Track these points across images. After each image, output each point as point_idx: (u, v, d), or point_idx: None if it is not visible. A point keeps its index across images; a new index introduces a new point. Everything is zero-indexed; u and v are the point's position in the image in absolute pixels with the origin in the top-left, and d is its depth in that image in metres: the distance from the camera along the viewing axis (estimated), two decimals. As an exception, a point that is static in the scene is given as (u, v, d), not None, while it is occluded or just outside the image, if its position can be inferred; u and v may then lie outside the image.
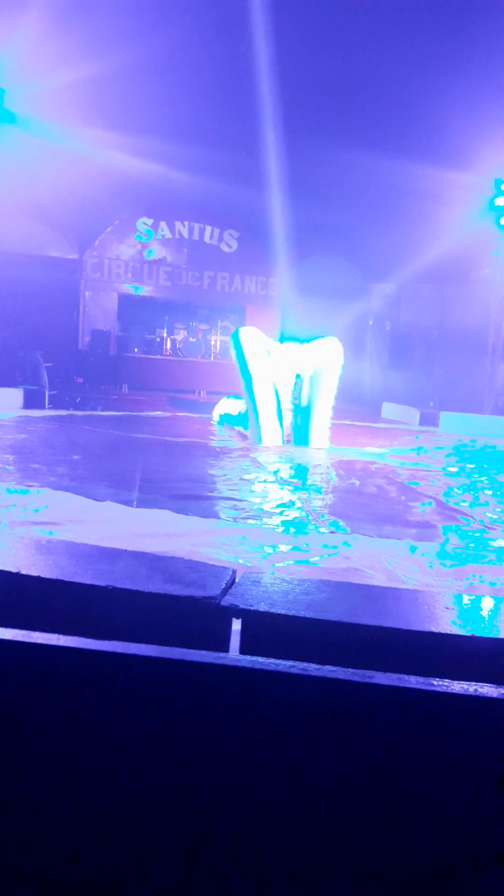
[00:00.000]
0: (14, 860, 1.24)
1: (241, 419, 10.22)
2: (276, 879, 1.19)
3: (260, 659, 1.21)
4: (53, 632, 1.25)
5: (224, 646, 1.63)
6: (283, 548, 4.35)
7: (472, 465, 8.87)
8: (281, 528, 4.96)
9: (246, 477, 6.96)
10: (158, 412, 12.81)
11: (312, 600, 1.73)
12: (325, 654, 1.36)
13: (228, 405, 11.35)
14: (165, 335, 18.02)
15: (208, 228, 17.72)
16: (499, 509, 6.10)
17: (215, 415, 11.73)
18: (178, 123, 14.26)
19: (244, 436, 9.74)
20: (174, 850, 1.21)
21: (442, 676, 1.16)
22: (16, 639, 1.22)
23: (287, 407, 9.30)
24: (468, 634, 1.57)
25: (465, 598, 1.95)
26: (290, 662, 1.18)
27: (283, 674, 1.16)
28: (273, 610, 1.61)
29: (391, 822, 1.16)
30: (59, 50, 11.98)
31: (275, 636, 1.59)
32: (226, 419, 11.20)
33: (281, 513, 5.42)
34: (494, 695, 1.12)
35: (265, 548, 4.31)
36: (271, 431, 9.15)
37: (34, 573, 1.72)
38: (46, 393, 12.32)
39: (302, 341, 9.68)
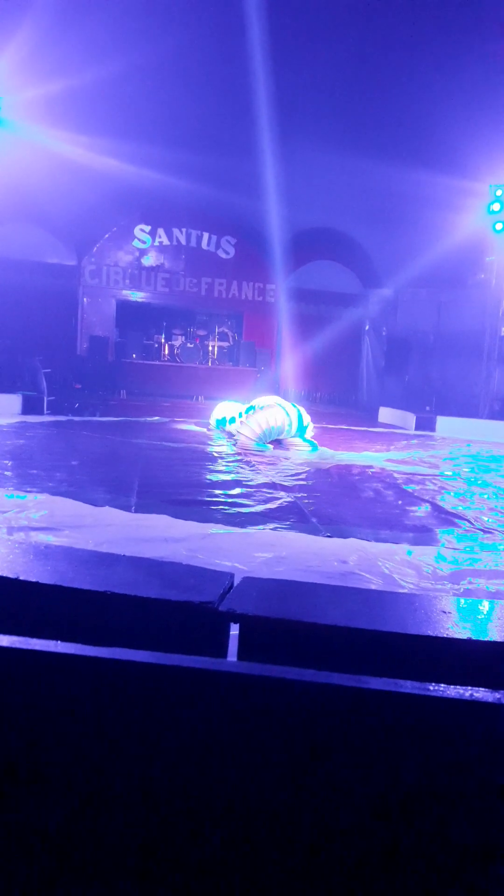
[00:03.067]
0: (12, 867, 1.25)
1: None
2: (270, 885, 1.19)
3: (257, 665, 1.21)
4: (51, 638, 1.25)
5: (222, 650, 1.64)
6: (280, 552, 4.36)
7: (469, 469, 8.89)
8: (279, 532, 4.96)
9: (243, 481, 6.97)
10: (156, 418, 12.82)
11: (310, 604, 1.74)
12: (322, 658, 1.37)
13: (224, 409, 11.37)
14: (163, 341, 18.03)
15: (206, 235, 17.77)
16: (495, 513, 6.12)
17: (212, 420, 11.75)
18: (175, 130, 14.33)
19: (231, 435, 10.24)
20: (171, 857, 1.21)
21: (438, 681, 1.17)
22: (13, 645, 1.22)
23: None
24: (464, 638, 1.57)
25: (462, 602, 1.96)
26: (286, 668, 1.19)
27: (280, 679, 1.17)
28: (271, 614, 1.62)
29: (387, 828, 1.17)
30: (56, 57, 12.05)
31: (272, 640, 1.60)
32: (222, 424, 11.23)
33: (278, 517, 5.43)
34: (490, 699, 1.13)
35: (263, 552, 4.31)
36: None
37: (32, 579, 1.72)
38: (45, 399, 12.33)
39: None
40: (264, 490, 6.56)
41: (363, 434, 12.56)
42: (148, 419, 12.53)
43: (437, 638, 1.57)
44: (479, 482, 7.94)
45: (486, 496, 7.00)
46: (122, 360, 17.31)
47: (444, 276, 15.95)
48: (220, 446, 9.79)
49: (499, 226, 13.99)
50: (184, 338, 18.15)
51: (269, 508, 5.75)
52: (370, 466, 8.56)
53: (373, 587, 3.68)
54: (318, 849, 1.18)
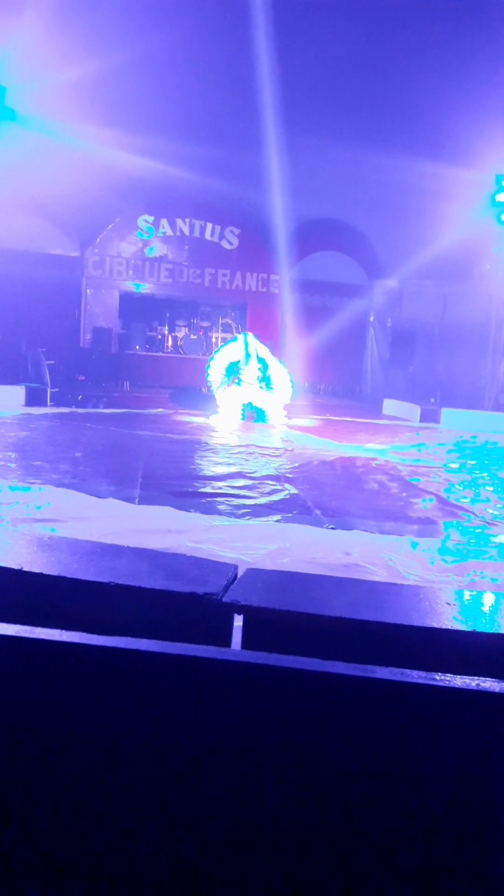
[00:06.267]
0: (15, 853, 1.25)
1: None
2: (275, 873, 1.20)
3: (262, 654, 1.21)
4: (56, 628, 1.25)
5: (226, 642, 1.64)
6: (284, 544, 4.36)
7: (473, 462, 8.87)
8: (283, 524, 4.96)
9: (247, 473, 6.96)
10: (160, 409, 12.82)
11: (314, 596, 1.74)
12: (326, 650, 1.36)
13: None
14: (167, 332, 17.98)
15: (209, 225, 17.69)
16: (500, 505, 6.10)
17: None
18: (178, 120, 14.23)
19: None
20: (176, 844, 1.21)
21: (443, 671, 1.16)
22: (19, 634, 1.22)
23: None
24: (469, 630, 1.57)
25: (466, 594, 1.95)
26: (292, 657, 1.19)
27: (285, 668, 1.17)
28: (274, 606, 1.61)
29: (392, 817, 1.17)
30: (60, 47, 11.96)
31: (276, 632, 1.59)
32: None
33: (282, 509, 5.43)
34: (496, 689, 1.13)
35: (267, 544, 4.31)
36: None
37: (36, 570, 1.72)
38: (48, 390, 12.32)
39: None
40: (268, 482, 6.56)
41: (367, 426, 12.52)
42: (151, 411, 12.53)
43: (441, 629, 1.57)
44: (484, 474, 7.92)
45: (490, 488, 6.98)
46: (125, 351, 17.28)
47: (449, 267, 15.84)
48: (224, 438, 9.80)
49: (504, 216, 13.89)
50: (187, 329, 18.10)
51: (273, 500, 5.75)
52: (374, 458, 8.54)
53: (377, 579, 3.68)
54: (322, 839, 1.18)
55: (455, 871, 1.16)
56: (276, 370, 12.11)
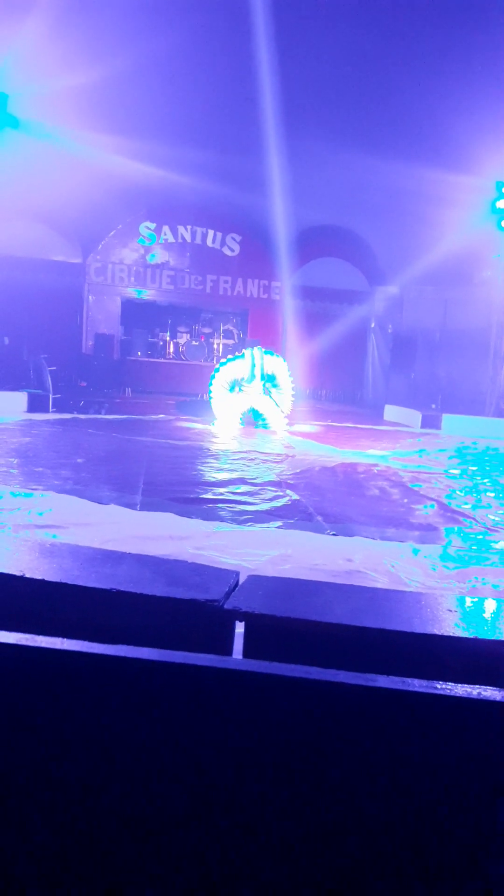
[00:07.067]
0: (15, 863, 1.25)
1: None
2: (279, 882, 1.19)
3: (262, 662, 1.21)
4: (57, 635, 1.25)
5: (227, 649, 1.63)
6: (285, 550, 4.35)
7: (475, 468, 8.86)
8: (284, 531, 4.96)
9: (248, 479, 6.96)
10: (161, 415, 12.83)
11: (315, 603, 1.73)
12: (328, 657, 1.36)
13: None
14: (168, 339, 18.04)
15: (211, 232, 17.75)
16: (501, 511, 6.10)
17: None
18: (180, 127, 14.31)
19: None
20: (177, 853, 1.21)
21: (445, 679, 1.16)
22: (19, 643, 1.22)
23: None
24: (471, 637, 1.56)
25: (468, 601, 1.95)
26: (293, 666, 1.19)
27: (286, 677, 1.17)
28: (276, 613, 1.61)
29: (394, 826, 1.16)
30: (62, 54, 12.04)
31: (278, 639, 1.59)
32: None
33: (283, 515, 5.42)
34: (498, 698, 1.12)
35: (268, 550, 4.31)
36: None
37: (38, 576, 1.72)
38: (50, 396, 12.34)
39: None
40: (269, 488, 6.55)
41: (368, 432, 12.52)
42: (153, 417, 12.54)
43: (443, 636, 1.57)
44: (485, 480, 7.91)
45: (491, 494, 6.97)
46: (127, 357, 17.33)
47: (450, 273, 15.87)
48: (225, 444, 9.80)
49: (504, 222, 13.92)
50: (189, 335, 18.15)
51: (275, 507, 5.74)
52: (375, 464, 8.54)
53: (379, 586, 3.68)
54: (323, 847, 1.18)
55: (456, 877, 1.16)
56: (282, 382, 12.10)
